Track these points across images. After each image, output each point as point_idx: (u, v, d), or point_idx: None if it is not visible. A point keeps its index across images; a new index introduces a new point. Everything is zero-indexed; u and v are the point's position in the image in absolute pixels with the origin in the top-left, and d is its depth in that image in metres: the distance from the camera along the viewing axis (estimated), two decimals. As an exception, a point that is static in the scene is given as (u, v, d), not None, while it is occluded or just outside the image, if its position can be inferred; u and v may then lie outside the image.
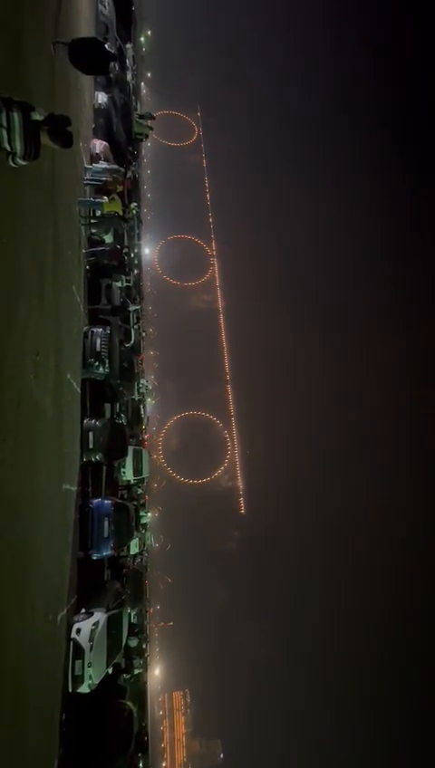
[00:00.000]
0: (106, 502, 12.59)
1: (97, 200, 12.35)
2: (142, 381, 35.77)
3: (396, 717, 76.85)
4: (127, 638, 13.59)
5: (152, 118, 26.53)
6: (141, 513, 27.81)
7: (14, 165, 4.49)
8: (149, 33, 62.25)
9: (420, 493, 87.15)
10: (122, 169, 15.33)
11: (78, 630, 9.60)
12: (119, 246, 16.71)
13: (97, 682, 9.61)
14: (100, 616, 10.23)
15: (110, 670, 10.73)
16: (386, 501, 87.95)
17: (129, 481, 20.65)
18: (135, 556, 24.89)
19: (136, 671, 22.20)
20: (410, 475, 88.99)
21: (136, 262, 35.63)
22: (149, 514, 38.22)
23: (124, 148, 21.69)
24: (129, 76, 27.52)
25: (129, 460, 19.04)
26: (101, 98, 18.09)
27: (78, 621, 9.83)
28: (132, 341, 19.93)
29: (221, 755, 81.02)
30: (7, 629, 5.77)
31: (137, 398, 28.22)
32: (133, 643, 20.72)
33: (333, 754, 76.16)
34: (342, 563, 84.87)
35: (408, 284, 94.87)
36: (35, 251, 7.22)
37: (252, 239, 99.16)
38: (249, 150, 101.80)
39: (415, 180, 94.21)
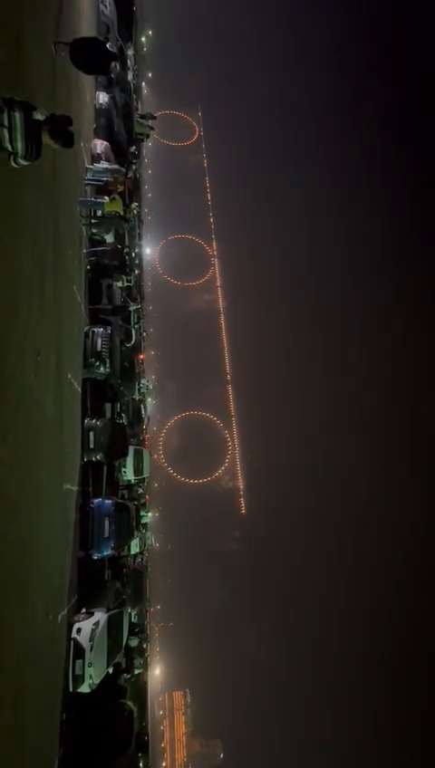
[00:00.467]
0: (107, 501, 12.59)
1: (98, 200, 12.35)
2: (143, 381, 35.76)
3: (396, 716, 76.81)
4: (127, 638, 13.60)
5: (153, 118, 26.53)
6: (142, 513, 27.81)
7: (15, 165, 4.49)
8: (150, 32, 62.27)
9: (420, 492, 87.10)
10: (123, 169, 15.32)
11: (78, 630, 9.60)
12: (120, 246, 16.72)
13: (97, 682, 9.61)
14: (100, 616, 10.23)
15: (110, 670, 10.73)
16: (386, 500, 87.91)
17: (129, 481, 20.64)
18: (135, 556, 24.89)
19: (136, 671, 22.20)
20: (411, 475, 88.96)
21: (137, 262, 35.65)
22: (149, 514, 38.23)
23: (125, 147, 21.70)
24: (130, 76, 27.53)
25: (129, 460, 19.02)
26: (103, 98, 18.09)
27: (78, 621, 9.84)
28: (133, 341, 19.91)
29: (221, 755, 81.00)
30: (8, 629, 5.77)
31: (137, 398, 28.21)
32: (134, 643, 20.71)
33: (333, 754, 76.14)
34: (342, 563, 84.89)
35: (408, 284, 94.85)
36: (36, 250, 7.22)
37: (252, 239, 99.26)
38: (250, 150, 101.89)
39: (415, 180, 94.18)
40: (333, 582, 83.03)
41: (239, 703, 79.85)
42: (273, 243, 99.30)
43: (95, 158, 14.72)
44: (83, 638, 9.48)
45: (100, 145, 15.51)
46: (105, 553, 12.14)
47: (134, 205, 25.60)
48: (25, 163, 4.53)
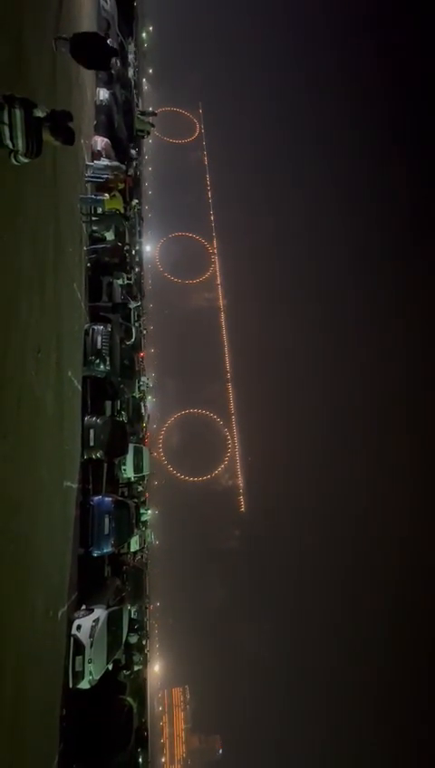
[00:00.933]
0: (107, 499, 12.63)
1: (98, 197, 12.31)
2: (143, 379, 35.78)
3: (395, 714, 77.14)
4: (127, 635, 13.65)
5: (154, 114, 26.43)
6: (142, 511, 27.85)
7: (16, 162, 4.49)
8: (150, 29, 61.89)
9: (421, 492, 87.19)
10: (124, 166, 15.26)
11: (78, 627, 9.65)
12: (120, 244, 16.68)
13: (97, 678, 9.66)
14: (100, 612, 10.28)
15: (110, 666, 10.78)
16: (386, 500, 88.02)
17: (129, 478, 20.67)
18: (135, 553, 24.95)
19: (136, 667, 22.31)
20: (411, 475, 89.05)
21: (137, 259, 35.56)
22: (149, 512, 38.29)
23: (126, 144, 21.60)
24: (130, 72, 27.40)
25: (129, 458, 19.05)
26: (103, 94, 18.01)
27: (78, 618, 9.88)
28: (133, 339, 19.89)
29: (220, 751, 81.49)
30: (8, 626, 5.80)
31: (137, 396, 28.21)
32: (133, 639, 20.81)
33: (332, 750, 76.52)
34: (341, 563, 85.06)
35: (408, 284, 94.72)
36: (36, 248, 7.22)
37: (253, 237, 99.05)
38: (251, 148, 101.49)
39: (416, 180, 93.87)
40: (333, 581, 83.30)
41: (238, 699, 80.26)
42: (273, 241, 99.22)
43: (96, 155, 14.67)
44: (83, 635, 9.53)
45: (100, 142, 15.46)
46: (105, 551, 12.18)
47: (134, 202, 25.51)
48: (26, 160, 4.52)
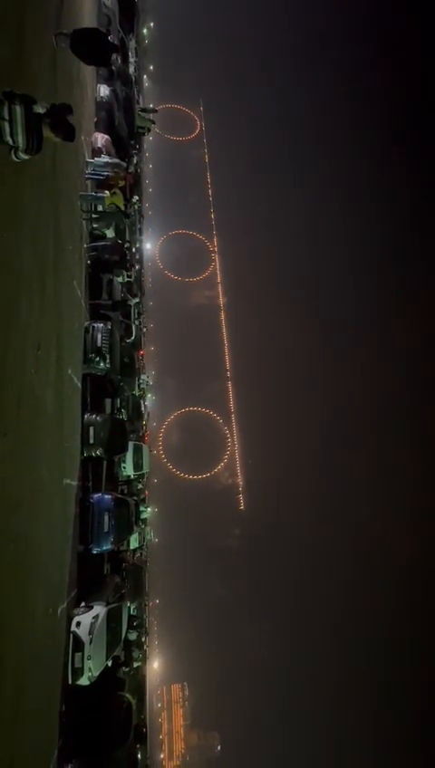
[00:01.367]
0: (106, 497, 12.65)
1: (99, 195, 12.26)
2: (143, 377, 35.77)
3: (395, 714, 77.43)
4: (126, 632, 13.70)
5: (155, 111, 26.27)
6: (141, 509, 27.90)
7: (16, 159, 4.47)
8: (151, 25, 61.52)
9: (421, 492, 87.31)
10: (124, 164, 15.21)
11: (78, 623, 9.68)
12: (120, 241, 16.66)
13: (96, 674, 9.71)
14: (100, 609, 10.31)
15: (109, 663, 10.83)
16: (386, 499, 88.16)
17: (129, 476, 20.71)
18: (135, 551, 25.01)
19: (135, 664, 22.40)
20: (411, 475, 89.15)
21: (137, 257, 35.50)
22: (148, 509, 38.36)
23: (126, 141, 21.50)
24: (131, 69, 27.24)
25: (129, 455, 19.09)
26: (104, 91, 17.92)
27: (78, 614, 9.92)
28: (133, 337, 19.89)
29: (219, 747, 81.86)
30: (8, 623, 5.82)
31: (137, 394, 28.21)
32: (132, 636, 20.87)
33: (331, 747, 76.88)
34: (341, 562, 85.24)
35: (408, 283, 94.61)
36: (37, 246, 7.20)
37: (254, 235, 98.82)
38: (252, 145, 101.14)
39: (417, 179, 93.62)
40: (332, 580, 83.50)
41: (237, 696, 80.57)
42: (274, 239, 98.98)
43: (96, 152, 14.62)
44: (83, 632, 9.56)
45: (101, 139, 15.40)
46: (105, 548, 12.21)
47: (135, 199, 25.46)
48: (26, 157, 4.50)
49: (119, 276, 16.63)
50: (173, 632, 72.05)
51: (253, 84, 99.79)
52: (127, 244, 21.38)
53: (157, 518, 59.03)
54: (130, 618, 18.30)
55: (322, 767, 77.09)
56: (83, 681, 9.41)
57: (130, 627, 17.07)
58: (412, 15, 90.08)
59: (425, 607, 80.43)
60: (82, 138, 12.75)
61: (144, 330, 42.81)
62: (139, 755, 23.41)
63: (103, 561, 14.31)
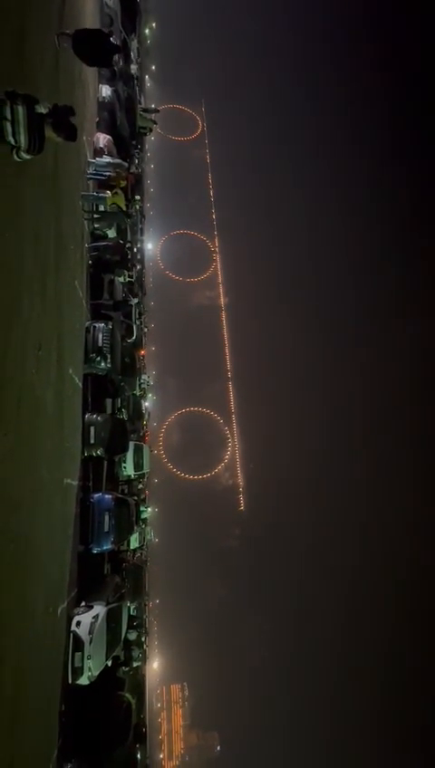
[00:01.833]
0: (107, 496, 12.64)
1: (100, 195, 12.28)
2: (144, 377, 35.77)
3: (395, 714, 77.35)
4: (126, 632, 13.70)
5: (156, 111, 26.34)
6: (142, 508, 27.91)
7: (18, 159, 4.48)
8: (153, 25, 61.48)
9: (421, 492, 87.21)
10: (126, 164, 15.23)
11: (78, 623, 9.68)
12: (121, 241, 16.68)
13: (96, 674, 9.71)
14: (100, 609, 10.31)
15: (109, 663, 10.82)
16: (386, 500, 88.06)
17: (129, 476, 20.71)
18: (135, 551, 25.02)
19: (135, 664, 22.37)
20: (412, 474, 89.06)
21: (138, 257, 35.52)
22: (149, 509, 38.37)
23: (128, 142, 21.54)
24: (133, 69, 27.27)
25: (129, 455, 19.09)
26: (105, 91, 17.95)
27: (78, 614, 9.92)
28: (134, 337, 19.88)
29: (218, 747, 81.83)
30: (8, 622, 5.83)
31: (138, 394, 28.22)
32: (132, 636, 20.85)
33: (331, 747, 76.80)
34: (341, 562, 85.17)
35: (408, 283, 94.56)
36: (38, 245, 7.21)
37: (255, 236, 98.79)
38: (253, 146, 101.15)
39: (417, 179, 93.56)
40: (332, 581, 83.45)
41: (237, 696, 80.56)
42: (275, 240, 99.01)
43: (98, 152, 14.64)
44: (83, 631, 9.56)
45: (102, 139, 15.43)
46: (105, 548, 12.21)
47: (136, 199, 25.47)
48: (28, 157, 4.51)
49: (120, 276, 16.63)
50: (173, 632, 72.04)
51: (254, 85, 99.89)
52: (128, 244, 21.39)
53: (157, 518, 59.02)
54: (130, 618, 18.31)
55: (322, 767, 77.05)
56: (83, 681, 9.41)
57: (129, 627, 17.07)
58: (412, 15, 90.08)
59: (426, 607, 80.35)
60: (84, 138, 12.77)
61: (145, 330, 42.81)
62: (138, 755, 23.40)
63: (103, 560, 14.32)
